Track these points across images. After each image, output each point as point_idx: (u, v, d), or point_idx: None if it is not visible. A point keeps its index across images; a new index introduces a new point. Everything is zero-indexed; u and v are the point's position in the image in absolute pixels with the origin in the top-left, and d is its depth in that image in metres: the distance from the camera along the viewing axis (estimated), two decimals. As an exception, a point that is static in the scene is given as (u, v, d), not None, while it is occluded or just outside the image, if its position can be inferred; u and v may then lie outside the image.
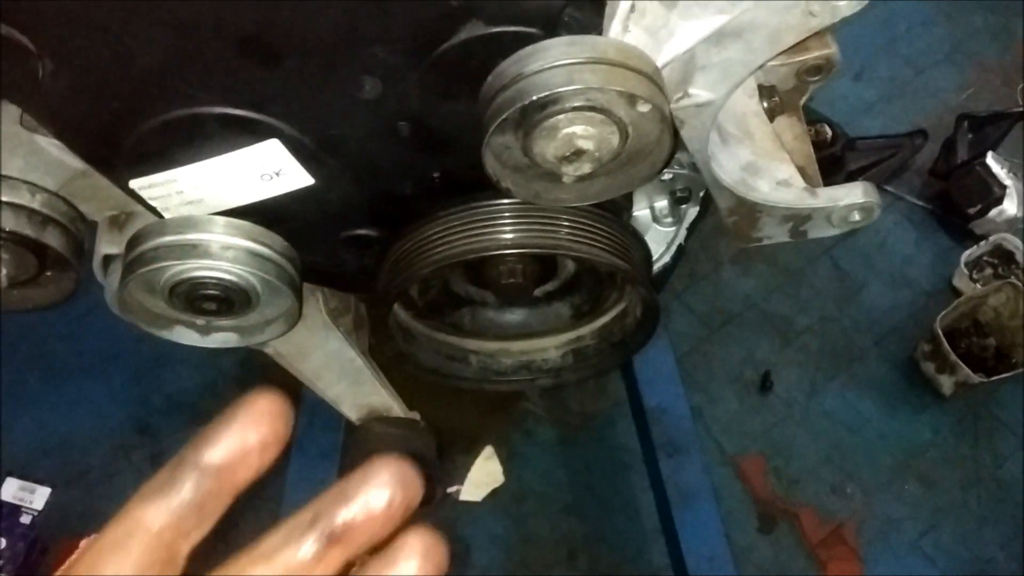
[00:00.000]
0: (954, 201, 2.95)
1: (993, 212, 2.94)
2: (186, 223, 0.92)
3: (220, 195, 0.91)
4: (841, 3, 0.79)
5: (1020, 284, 2.72)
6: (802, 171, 1.08)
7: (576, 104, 0.76)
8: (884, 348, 2.85)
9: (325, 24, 0.75)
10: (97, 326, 2.63)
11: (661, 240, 1.10)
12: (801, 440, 2.71)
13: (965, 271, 2.88)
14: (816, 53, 1.10)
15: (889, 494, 2.63)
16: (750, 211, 1.02)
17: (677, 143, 0.82)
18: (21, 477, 2.43)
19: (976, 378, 2.62)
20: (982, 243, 2.91)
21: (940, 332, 2.65)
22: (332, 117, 0.85)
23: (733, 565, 2.16)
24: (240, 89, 0.81)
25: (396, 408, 1.22)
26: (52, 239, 0.88)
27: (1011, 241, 2.89)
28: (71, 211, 0.91)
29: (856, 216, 1.03)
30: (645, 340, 1.07)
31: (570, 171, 0.80)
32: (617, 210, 0.98)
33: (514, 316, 1.13)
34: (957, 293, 2.90)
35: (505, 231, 0.93)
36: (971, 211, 2.94)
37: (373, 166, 0.91)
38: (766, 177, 1.03)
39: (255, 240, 0.93)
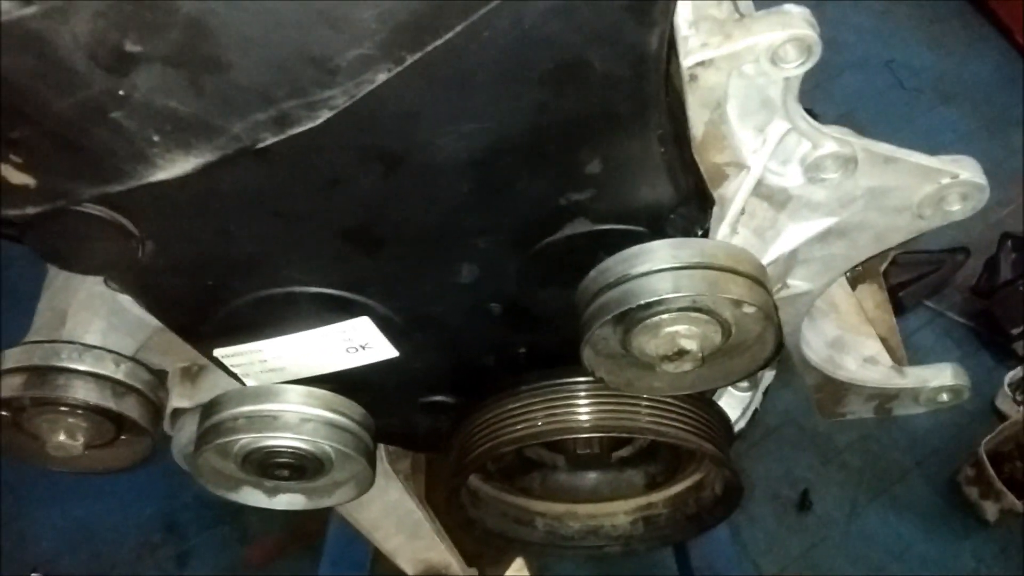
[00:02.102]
0: (997, 320, 2.91)
1: (1037, 333, 2.91)
2: (266, 393, 0.90)
3: (303, 365, 0.90)
4: (954, 209, 0.77)
5: (1065, 409, 2.67)
6: (885, 343, 1.06)
7: (681, 306, 0.75)
8: (926, 469, 2.79)
9: (431, 218, 0.75)
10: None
11: (737, 405, 1.08)
12: (841, 564, 2.64)
13: (1008, 392, 2.83)
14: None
15: (931, 624, 2.55)
16: (836, 389, 1.00)
17: (781, 340, 0.80)
18: (47, 574, 2.38)
19: (1021, 506, 2.55)
20: (1025, 364, 2.87)
21: (984, 457, 2.59)
22: (425, 298, 0.84)
23: None
24: (338, 271, 0.80)
25: (455, 565, 1.19)
26: (131, 410, 0.87)
27: (1055, 364, 2.84)
28: (152, 379, 0.90)
29: (944, 397, 1.01)
30: (724, 516, 1.04)
31: (670, 368, 0.78)
32: (701, 388, 0.95)
33: (585, 480, 1.10)
34: (1000, 414, 2.85)
35: (584, 411, 0.90)
36: (1014, 331, 2.90)
37: (459, 341, 0.90)
38: (853, 354, 1.00)
39: (333, 411, 0.91)
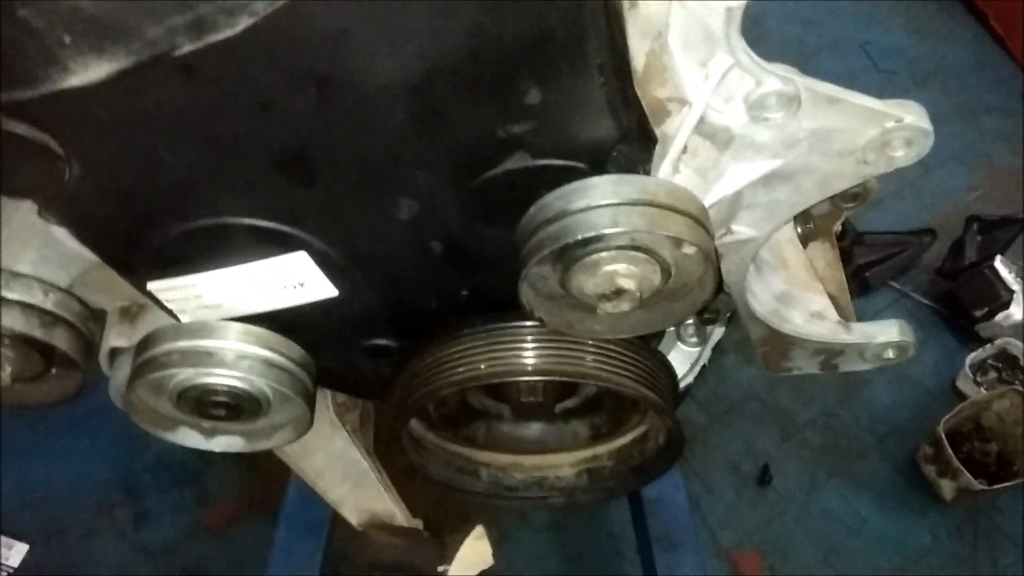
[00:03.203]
0: (961, 302, 2.93)
1: (1000, 316, 2.93)
2: (202, 329, 0.88)
3: (239, 302, 0.88)
4: (898, 154, 0.76)
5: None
6: (834, 300, 1.06)
7: (620, 244, 0.74)
8: (885, 447, 2.81)
9: (367, 147, 0.73)
10: (88, 379, 2.58)
11: (685, 360, 1.07)
12: (799, 537, 2.65)
13: (969, 374, 2.85)
14: (854, 181, 1.08)
15: (885, 599, 2.57)
16: (782, 343, 0.99)
17: (720, 283, 0.79)
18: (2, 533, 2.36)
19: (978, 485, 2.57)
20: (987, 346, 2.89)
21: (943, 436, 2.61)
22: (364, 234, 0.82)
23: (724, 667, 2.09)
24: (272, 203, 0.78)
25: (399, 516, 1.18)
26: (60, 340, 0.84)
27: (1016, 346, 2.87)
28: (83, 311, 0.88)
29: (890, 353, 1.01)
30: (666, 468, 1.03)
31: (608, 308, 0.77)
32: (645, 335, 0.95)
33: (530, 431, 1.10)
34: (960, 395, 2.87)
35: (529, 355, 0.89)
36: (977, 313, 2.92)
37: (401, 281, 0.88)
38: (800, 308, 1.00)
39: (271, 349, 0.90)
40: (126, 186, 0.75)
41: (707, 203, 0.78)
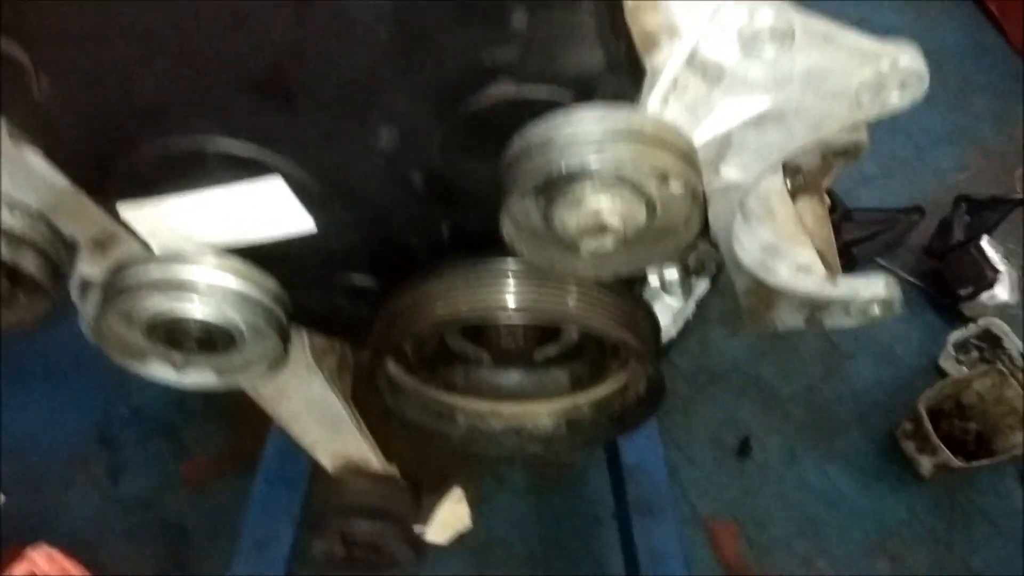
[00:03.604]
0: (946, 281, 2.93)
1: (984, 296, 2.93)
2: (174, 257, 0.86)
3: (213, 231, 0.86)
4: (892, 97, 0.75)
5: (1006, 371, 2.70)
6: (821, 255, 1.04)
7: (605, 178, 0.72)
8: (866, 423, 2.82)
9: (347, 68, 0.71)
10: (66, 330, 2.54)
11: (668, 312, 1.05)
12: (775, 509, 2.66)
13: (952, 352, 2.86)
14: (846, 137, 1.07)
15: (859, 572, 2.58)
16: (767, 295, 0.98)
17: (704, 223, 0.77)
18: (-25, 483, 2.34)
19: (956, 462, 2.58)
20: (971, 325, 2.90)
21: (924, 413, 2.62)
22: (343, 163, 0.80)
23: (699, 632, 2.10)
24: (248, 125, 0.76)
25: (374, 461, 1.17)
26: (27, 262, 0.82)
27: (999, 326, 2.87)
28: (51, 234, 0.85)
29: (876, 310, 0.99)
30: (645, 418, 1.02)
31: (591, 245, 0.75)
32: (629, 281, 0.93)
33: (509, 378, 1.08)
34: (942, 373, 2.88)
35: (510, 295, 0.87)
36: (963, 293, 2.92)
37: (380, 215, 0.86)
38: (786, 261, 0.98)
39: (246, 280, 0.88)
40: (97, 102, 0.73)
41: (696, 141, 0.76)
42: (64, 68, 0.69)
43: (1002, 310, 2.94)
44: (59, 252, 0.86)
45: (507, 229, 0.78)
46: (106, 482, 2.50)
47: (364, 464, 1.17)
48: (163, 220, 0.84)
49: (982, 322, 2.88)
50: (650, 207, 0.74)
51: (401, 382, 1.05)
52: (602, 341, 1.01)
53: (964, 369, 2.82)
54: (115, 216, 0.85)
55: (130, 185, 0.81)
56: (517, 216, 0.77)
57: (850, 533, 2.67)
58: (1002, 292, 2.93)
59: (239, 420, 2.55)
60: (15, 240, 0.81)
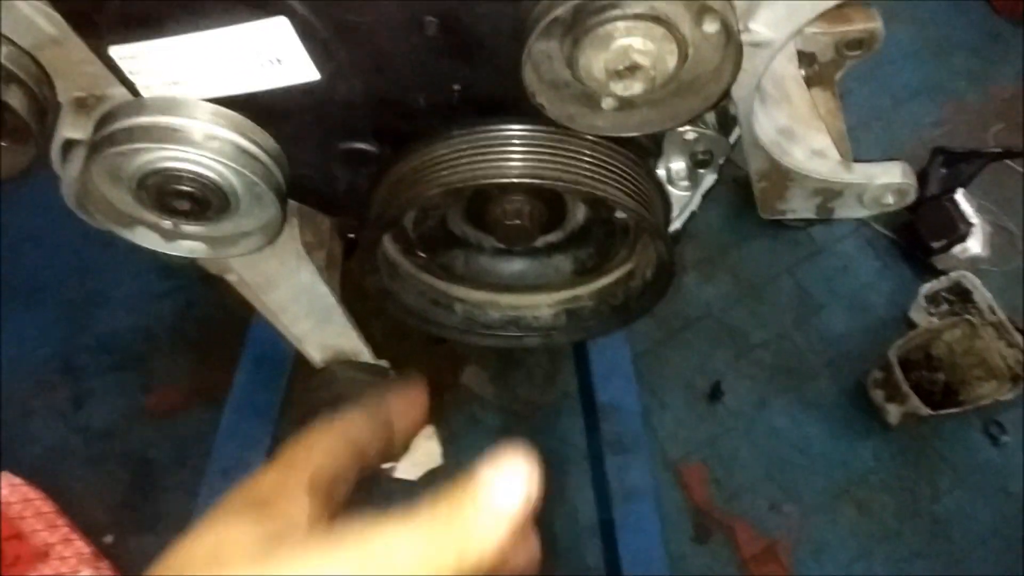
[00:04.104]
0: (919, 233, 2.95)
1: (957, 249, 2.95)
2: (168, 104, 0.81)
3: (210, 78, 0.80)
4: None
5: (976, 322, 2.72)
6: (833, 145, 1.02)
7: (638, 11, 0.68)
8: (835, 371, 2.84)
9: None
10: (32, 252, 2.46)
11: (675, 204, 1.02)
12: (744, 453, 2.68)
13: (923, 304, 2.88)
14: (861, 26, 1.04)
15: (825, 517, 2.61)
16: (781, 178, 0.95)
17: (737, 75, 0.74)
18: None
19: (925, 410, 2.61)
20: (942, 278, 2.92)
21: (895, 361, 2.64)
22: (354, 1, 0.75)
23: (668, 569, 2.10)
24: (255, -49, 0.70)
25: (366, 353, 1.13)
26: (13, 98, 0.76)
27: (970, 279, 2.90)
28: (39, 73, 0.79)
29: (890, 198, 0.97)
30: (651, 304, 0.99)
31: (618, 89, 0.71)
32: (643, 155, 0.89)
33: (510, 265, 1.04)
34: (912, 325, 2.90)
35: (517, 159, 0.83)
36: (935, 245, 2.94)
37: (388, 66, 0.81)
38: (802, 144, 0.96)
39: (244, 135, 0.82)
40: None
41: (730, -14, 0.73)
42: None
43: (974, 263, 2.97)
44: (46, 95, 0.80)
45: (528, 76, 0.74)
46: (69, 411, 2.44)
47: (355, 356, 1.13)
48: (157, 63, 0.79)
49: (954, 275, 2.91)
50: (682, 50, 0.71)
51: (399, 264, 1.01)
52: (609, 223, 0.97)
53: (935, 321, 2.85)
54: (106, 63, 0.80)
55: (123, 21, 0.75)
56: (539, 61, 0.73)
57: (817, 479, 2.70)
58: (974, 245, 2.95)
59: (207, 352, 2.50)
60: (3, 74, 0.75)
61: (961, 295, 2.93)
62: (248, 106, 0.83)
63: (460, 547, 0.40)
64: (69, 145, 0.92)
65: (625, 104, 0.76)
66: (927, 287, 2.91)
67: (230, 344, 2.13)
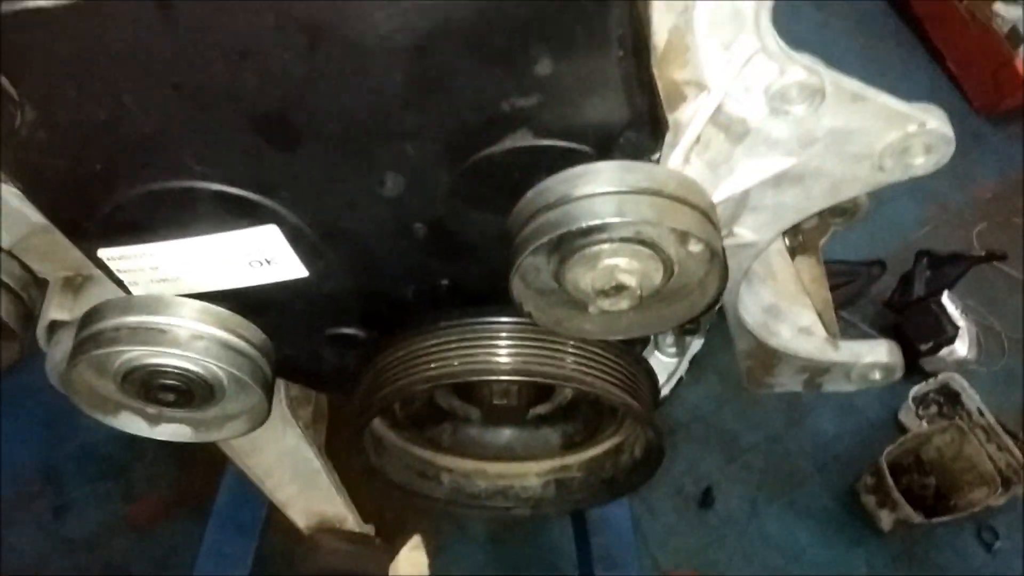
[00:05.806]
0: (907, 335, 2.96)
1: (944, 351, 2.96)
2: (154, 304, 0.80)
3: (199, 277, 0.80)
4: (916, 162, 0.73)
5: (965, 427, 2.72)
6: (819, 317, 1.02)
7: (624, 235, 0.68)
8: (826, 475, 2.82)
9: (357, 111, 0.66)
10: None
11: (662, 371, 1.02)
12: (737, 563, 2.64)
13: (912, 406, 2.88)
14: (845, 195, 1.05)
15: (819, 626, 2.57)
16: (768, 357, 0.95)
17: (723, 289, 0.74)
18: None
19: (917, 517, 2.59)
20: (931, 380, 2.93)
21: (885, 468, 2.63)
22: (343, 210, 0.75)
23: None
24: (245, 167, 0.71)
25: (351, 520, 1.11)
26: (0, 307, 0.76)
27: (958, 381, 2.90)
28: (24, 275, 0.79)
29: (877, 375, 0.97)
30: (641, 482, 0.98)
31: (606, 305, 0.72)
32: (630, 341, 0.89)
33: (498, 437, 1.03)
34: (902, 427, 2.90)
35: (504, 353, 0.83)
36: (923, 347, 2.95)
37: (376, 265, 0.82)
38: (788, 322, 0.96)
39: (230, 331, 0.82)
40: (84, 136, 0.68)
41: (715, 199, 0.73)
42: (53, 98, 0.64)
43: (961, 365, 2.98)
44: (32, 295, 0.80)
45: (515, 286, 0.74)
46: (50, 521, 2.40)
47: (340, 522, 1.11)
48: (146, 265, 0.79)
49: (942, 377, 2.92)
50: (667, 267, 0.71)
51: (384, 439, 1.00)
52: (599, 401, 0.97)
53: (923, 423, 2.85)
54: (92, 258, 0.80)
55: (113, 228, 0.75)
56: (527, 273, 0.73)
57: (811, 587, 2.66)
58: (961, 348, 2.96)
59: (190, 462, 2.46)
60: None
61: (950, 397, 2.93)
62: (236, 298, 0.83)
63: None
64: (55, 325, 0.92)
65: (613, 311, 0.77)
66: (916, 389, 2.92)
67: (214, 452, 2.10)
